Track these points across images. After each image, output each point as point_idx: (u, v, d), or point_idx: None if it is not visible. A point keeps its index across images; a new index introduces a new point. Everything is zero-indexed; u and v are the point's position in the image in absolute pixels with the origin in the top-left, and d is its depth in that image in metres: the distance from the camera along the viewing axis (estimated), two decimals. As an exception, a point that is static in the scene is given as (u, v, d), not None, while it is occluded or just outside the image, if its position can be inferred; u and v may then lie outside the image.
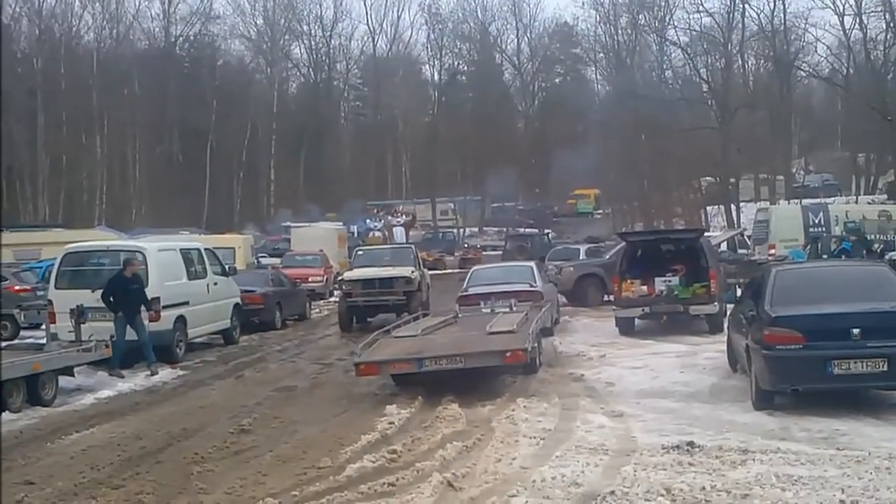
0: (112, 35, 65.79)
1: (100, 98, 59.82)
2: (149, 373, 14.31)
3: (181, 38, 70.32)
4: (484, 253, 49.03)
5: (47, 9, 62.58)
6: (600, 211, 70.78)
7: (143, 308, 14.58)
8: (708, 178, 52.74)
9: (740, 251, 29.32)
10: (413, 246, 23.15)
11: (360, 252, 23.67)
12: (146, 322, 14.67)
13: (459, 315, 15.63)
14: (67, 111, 59.28)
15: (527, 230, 53.39)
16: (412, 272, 20.76)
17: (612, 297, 19.18)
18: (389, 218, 25.30)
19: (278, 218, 55.60)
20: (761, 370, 9.39)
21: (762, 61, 61.67)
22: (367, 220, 24.94)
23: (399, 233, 24.31)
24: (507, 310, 15.36)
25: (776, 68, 56.79)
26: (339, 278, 21.74)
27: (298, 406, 11.46)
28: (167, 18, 69.12)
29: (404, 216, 25.00)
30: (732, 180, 50.23)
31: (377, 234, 24.82)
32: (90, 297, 14.46)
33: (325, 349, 17.69)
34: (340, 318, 20.83)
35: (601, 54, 71.88)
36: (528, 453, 8.09)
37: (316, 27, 75.15)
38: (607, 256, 24.67)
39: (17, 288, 22.12)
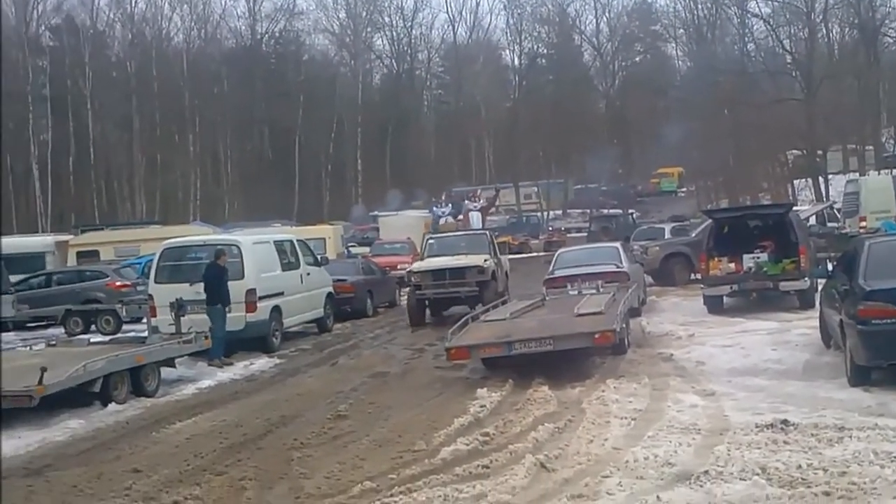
0: (200, 35, 67.47)
1: (191, 98, 61.37)
2: (220, 364, 14.50)
3: (266, 36, 71.64)
4: (568, 235, 48.77)
5: (139, 13, 64.54)
6: (684, 189, 69.69)
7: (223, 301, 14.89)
8: (794, 151, 51.26)
9: (830, 225, 28.57)
10: (488, 232, 21.55)
11: (432, 240, 21.72)
12: (231, 313, 14.99)
13: (547, 298, 15.65)
14: (161, 112, 61.00)
15: (611, 211, 52.92)
16: (485, 261, 19.40)
17: (699, 276, 19.06)
18: (466, 202, 23.23)
19: (357, 210, 56.11)
20: (856, 345, 9.20)
21: (847, 29, 59.59)
22: (434, 208, 23.17)
23: (476, 218, 22.88)
24: (594, 291, 15.28)
25: (861, 36, 54.78)
26: (408, 270, 20.08)
27: (392, 391, 11.66)
28: (252, 16, 70.58)
29: (482, 200, 22.69)
30: (820, 152, 48.72)
31: (449, 219, 23.18)
32: (189, 291, 14.87)
33: (416, 335, 17.89)
34: (410, 313, 19.43)
35: (681, 30, 70.69)
36: (619, 434, 8.10)
37: (397, 18, 75.89)
38: (693, 235, 24.38)
39: (118, 284, 22.88)
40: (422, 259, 20.48)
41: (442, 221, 23.55)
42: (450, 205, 23.40)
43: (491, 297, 17.69)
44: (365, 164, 69.21)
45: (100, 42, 62.85)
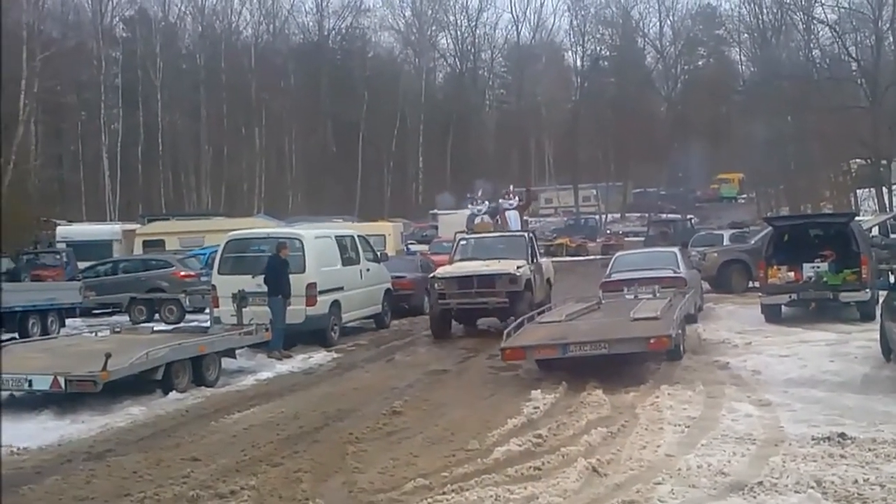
0: (269, 30, 68.43)
1: (258, 91, 62.20)
2: (279, 357, 14.67)
3: (333, 32, 72.38)
4: (626, 239, 48.47)
5: (209, 7, 65.66)
6: (744, 195, 68.99)
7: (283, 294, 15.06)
8: (858, 160, 50.29)
9: (893, 236, 27.96)
10: (528, 234, 19.12)
11: (463, 241, 19.22)
12: (290, 306, 15.16)
13: (603, 301, 15.61)
14: (228, 104, 61.94)
15: (669, 215, 52.42)
16: (518, 268, 17.03)
17: (757, 284, 18.81)
18: (500, 201, 21.15)
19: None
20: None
21: (915, 37, 58.29)
22: (469, 205, 20.76)
23: (514, 218, 20.03)
24: (651, 296, 15.21)
25: (930, 44, 53.54)
26: (431, 276, 17.92)
27: (446, 389, 11.73)
28: (320, 13, 71.43)
29: (517, 198, 19.88)
30: (884, 162, 47.62)
31: (485, 218, 20.58)
32: (251, 283, 15.11)
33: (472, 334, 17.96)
34: (432, 325, 17.33)
35: (745, 35, 69.57)
36: (673, 441, 8.07)
37: (462, 17, 76.66)
38: (752, 242, 24.13)
39: (182, 274, 23.35)
40: (451, 262, 18.37)
41: (477, 220, 20.58)
42: (486, 202, 21.04)
43: (524, 310, 15.54)
44: (426, 162, 69.55)
45: (171, 34, 64.05)
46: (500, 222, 20.30)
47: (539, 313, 14.40)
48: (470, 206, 21.37)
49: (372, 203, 62.60)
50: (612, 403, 9.77)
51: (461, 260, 18.24)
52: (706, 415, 9.09)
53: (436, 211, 48.68)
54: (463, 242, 19.17)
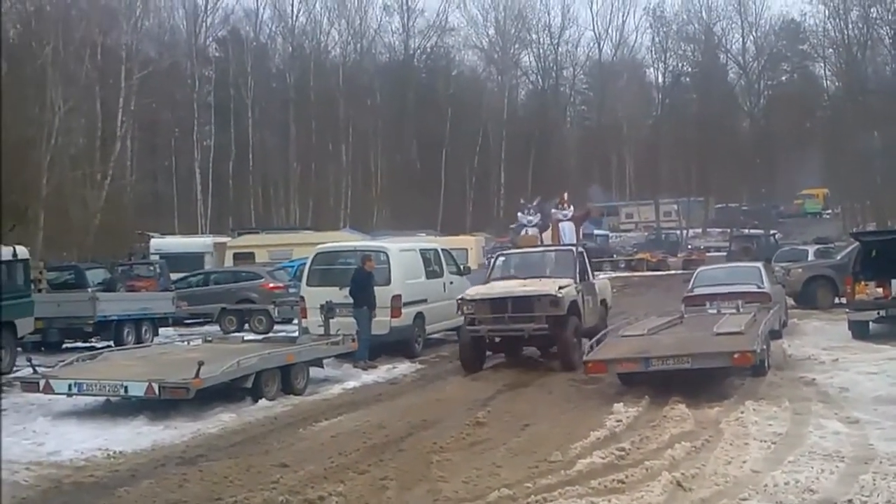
0: (356, 49, 69.37)
1: (345, 109, 63.09)
2: (365, 367, 14.87)
3: (419, 51, 73.14)
4: (707, 254, 47.85)
5: (299, 27, 67.00)
6: (829, 211, 67.60)
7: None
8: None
9: None
10: (577, 248, 16.45)
11: (502, 258, 16.95)
12: (376, 318, 15.38)
13: (685, 315, 15.42)
14: (316, 122, 62.95)
15: (752, 231, 51.55)
16: (560, 288, 14.44)
17: (843, 300, 18.38)
18: (554, 211, 18.58)
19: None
20: None
21: None
22: (519, 214, 18.87)
23: (568, 231, 17.63)
24: (734, 311, 15.01)
25: None
26: (460, 297, 15.30)
27: (529, 401, 11.73)
28: (406, 32, 72.19)
29: (572, 207, 18.82)
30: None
31: (532, 231, 18.10)
32: (338, 294, 15.36)
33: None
34: (462, 354, 14.97)
35: (830, 50, 67.89)
36: (758, 457, 7.96)
37: (544, 35, 76.87)
38: (838, 257, 23.70)
39: (271, 285, 23.80)
40: (487, 282, 15.91)
41: (523, 233, 18.13)
42: (538, 213, 18.38)
43: (568, 339, 14.23)
44: (508, 177, 69.62)
45: (262, 54, 65.48)
46: (551, 235, 18.05)
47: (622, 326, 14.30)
48: (520, 214, 18.57)
49: (454, 217, 62.87)
50: (696, 418, 9.68)
51: (500, 279, 15.84)
52: (793, 431, 8.95)
53: (514, 225, 48.71)
54: (502, 259, 16.91)
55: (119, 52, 46.17)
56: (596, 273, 19.69)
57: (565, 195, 18.22)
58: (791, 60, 76.10)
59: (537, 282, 14.99)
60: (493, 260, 17.32)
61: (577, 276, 15.45)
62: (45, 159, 33.82)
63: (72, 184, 38.33)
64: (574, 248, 16.37)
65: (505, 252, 17.58)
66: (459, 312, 15.20)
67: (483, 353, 15.08)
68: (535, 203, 18.76)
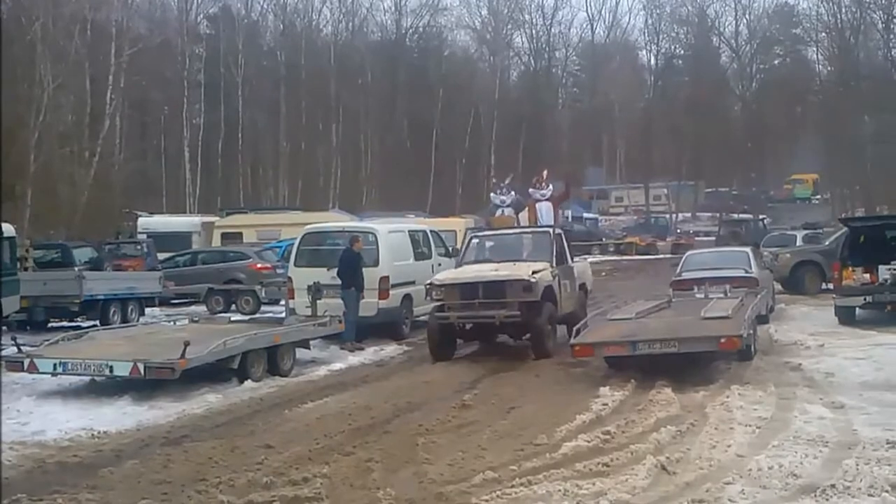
0: (348, 28, 69.19)
1: (336, 88, 62.84)
2: (351, 348, 14.89)
3: (411, 30, 72.92)
4: (696, 238, 48.08)
5: (291, 5, 66.75)
6: (818, 196, 67.93)
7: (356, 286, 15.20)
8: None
9: None
10: (554, 230, 15.45)
11: (476, 240, 16.01)
12: (363, 299, 15.35)
13: (673, 299, 15.46)
14: (307, 101, 62.70)
15: (741, 215, 51.76)
16: (535, 272, 13.70)
17: (831, 286, 18.45)
18: (531, 190, 17.32)
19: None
20: None
21: None
22: (492, 195, 17.79)
23: (546, 211, 16.40)
24: (722, 295, 14.99)
25: None
26: (428, 282, 14.56)
27: (515, 384, 11.72)
28: (398, 11, 72.14)
29: (550, 186, 17.00)
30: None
31: (508, 212, 16.96)
32: (325, 275, 15.35)
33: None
34: (430, 342, 14.23)
35: (823, 34, 68.22)
36: (743, 441, 7.99)
37: (537, 16, 77.09)
38: (826, 243, 23.87)
39: (259, 266, 23.78)
40: (459, 265, 15.27)
41: (498, 213, 16.85)
42: (512, 192, 17.25)
43: (542, 326, 13.59)
44: (498, 159, 69.62)
45: (253, 32, 65.07)
46: (529, 216, 16.83)
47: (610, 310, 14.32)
48: (492, 195, 17.41)
49: (444, 199, 62.86)
50: (682, 402, 9.70)
51: (473, 262, 15.08)
52: (777, 416, 8.98)
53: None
54: (475, 241, 15.94)
55: (109, 28, 45.76)
56: (584, 256, 19.34)
57: (544, 174, 17.02)
58: (784, 44, 76.45)
59: (510, 266, 14.26)
60: (465, 242, 16.26)
61: (554, 259, 14.65)
62: (33, 136, 33.61)
63: (60, 161, 38.13)
64: (551, 230, 15.45)
65: (478, 234, 16.58)
66: (428, 298, 14.51)
67: (453, 341, 14.40)
68: (506, 181, 17.78)
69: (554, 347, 13.76)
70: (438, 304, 14.09)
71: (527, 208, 16.80)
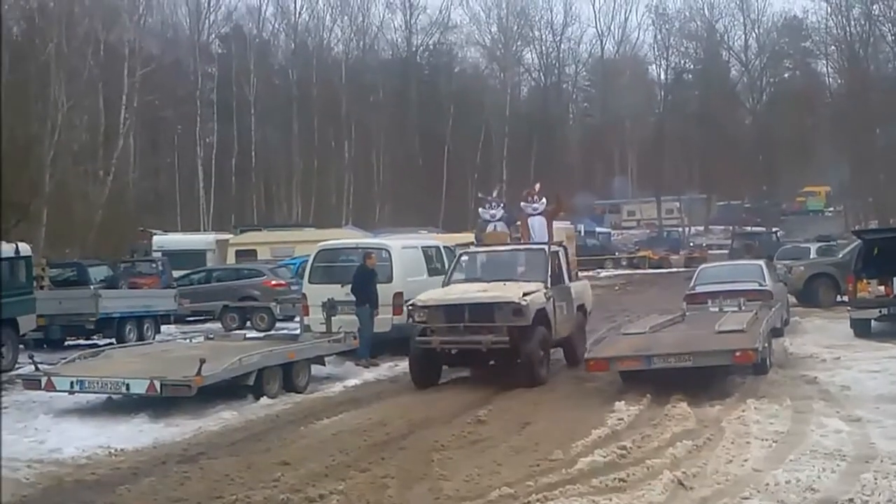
0: (359, 47, 69.51)
1: (348, 106, 63.11)
2: (366, 364, 14.89)
3: (421, 48, 73.28)
4: (709, 252, 47.93)
5: (302, 24, 67.17)
6: (831, 208, 67.68)
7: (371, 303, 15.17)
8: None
9: None
10: (549, 247, 14.38)
11: (465, 258, 14.89)
12: (377, 315, 15.31)
13: (687, 313, 15.41)
14: (319, 119, 62.97)
15: (754, 228, 51.63)
16: (525, 295, 12.59)
17: (845, 298, 18.39)
18: (523, 205, 15.71)
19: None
20: None
21: None
22: (480, 210, 16.68)
23: (538, 226, 15.29)
24: (736, 309, 14.97)
25: None
26: (410, 303, 13.52)
27: (530, 400, 11.68)
28: (409, 29, 72.42)
29: (543, 200, 15.61)
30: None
31: (500, 227, 15.82)
32: (340, 292, 15.35)
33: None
34: (412, 369, 13.27)
35: (832, 47, 68.05)
36: (760, 455, 7.96)
37: (547, 32, 77.21)
38: (840, 255, 23.76)
39: (273, 283, 23.79)
40: (445, 284, 14.23)
41: (490, 228, 15.67)
42: (502, 206, 16.05)
43: (533, 353, 12.48)
44: (510, 174, 69.68)
45: (264, 50, 65.53)
46: (520, 232, 15.63)
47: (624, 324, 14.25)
48: (481, 210, 16.27)
49: (456, 214, 62.82)
50: (697, 416, 9.67)
51: (463, 282, 14.05)
52: (794, 430, 8.95)
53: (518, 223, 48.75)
54: (465, 259, 14.84)
55: (122, 48, 46.19)
56: (598, 269, 19.03)
57: (536, 186, 15.80)
58: (793, 58, 76.36)
59: (500, 286, 13.16)
60: (454, 260, 15.15)
61: (549, 279, 13.61)
62: (48, 155, 33.85)
63: (74, 180, 38.39)
64: (546, 248, 14.32)
65: (468, 251, 15.29)
66: (410, 320, 13.39)
67: (438, 368, 13.34)
68: (493, 194, 16.61)
69: (547, 375, 12.86)
70: (421, 327, 12.97)
71: (519, 223, 15.69)
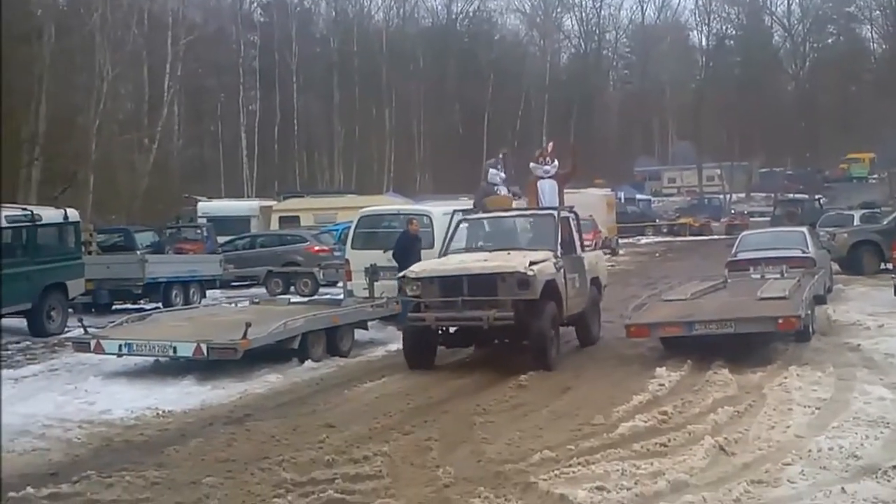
0: (399, 14, 69.46)
1: (388, 74, 63.17)
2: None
3: (461, 15, 72.92)
4: (751, 219, 47.43)
5: (343, -8, 67.04)
6: (875, 175, 66.40)
7: None
8: None
9: None
10: (560, 212, 12.81)
11: (466, 224, 13.30)
12: None
13: (728, 280, 15.28)
14: (360, 87, 63.06)
15: (797, 195, 50.95)
16: (532, 264, 11.08)
17: (889, 265, 18.14)
18: (532, 165, 13.72)
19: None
20: None
21: None
22: (492, 171, 14.95)
23: (549, 191, 13.42)
24: (778, 276, 14.77)
25: None
26: (401, 275, 11.99)
27: (571, 365, 11.70)
28: (449, -3, 71.96)
29: (555, 162, 13.57)
30: None
31: (502, 191, 14.51)
32: (381, 257, 15.40)
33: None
34: (405, 347, 11.88)
35: (877, 11, 66.68)
36: (802, 422, 7.92)
37: (587, -2, 75.71)
38: (885, 223, 23.50)
39: (316, 248, 24.01)
40: (443, 254, 12.80)
41: (493, 193, 14.32)
42: (501, 169, 14.81)
43: (542, 331, 11.06)
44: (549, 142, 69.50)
45: (306, 19, 65.66)
46: (528, 195, 14.36)
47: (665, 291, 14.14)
48: (492, 171, 15.02)
49: (497, 182, 62.93)
50: (739, 383, 9.63)
51: (462, 251, 12.62)
52: (837, 397, 8.88)
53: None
54: (465, 226, 13.23)
55: (166, 18, 46.50)
56: (638, 237, 18.75)
57: (549, 146, 14.31)
58: (837, 23, 74.98)
59: (504, 256, 11.72)
60: (454, 226, 13.29)
61: (560, 248, 12.16)
62: (93, 125, 34.25)
63: (120, 149, 38.82)
64: (556, 213, 12.73)
65: (469, 217, 13.60)
66: (401, 294, 12.00)
67: (433, 347, 11.95)
68: (500, 156, 15.58)
69: (556, 357, 11.50)
70: (415, 302, 11.59)
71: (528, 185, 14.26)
